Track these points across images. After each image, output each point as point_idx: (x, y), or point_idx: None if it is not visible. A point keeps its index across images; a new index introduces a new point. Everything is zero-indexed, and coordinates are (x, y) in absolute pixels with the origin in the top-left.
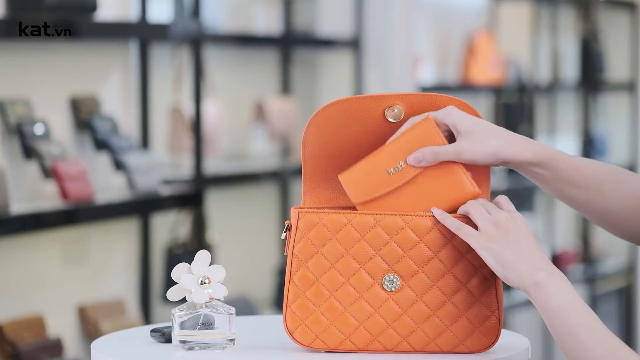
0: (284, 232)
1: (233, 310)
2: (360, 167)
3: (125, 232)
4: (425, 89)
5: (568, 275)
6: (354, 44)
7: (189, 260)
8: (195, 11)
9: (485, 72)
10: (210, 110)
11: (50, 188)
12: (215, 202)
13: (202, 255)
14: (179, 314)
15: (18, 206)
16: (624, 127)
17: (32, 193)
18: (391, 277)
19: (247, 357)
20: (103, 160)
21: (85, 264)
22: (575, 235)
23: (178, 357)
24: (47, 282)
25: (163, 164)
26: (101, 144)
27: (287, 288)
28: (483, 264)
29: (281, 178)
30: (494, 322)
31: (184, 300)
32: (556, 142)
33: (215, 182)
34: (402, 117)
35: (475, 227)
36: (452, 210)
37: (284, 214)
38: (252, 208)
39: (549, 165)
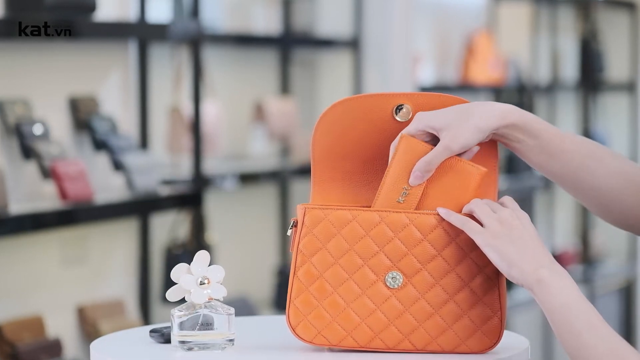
0: (290, 228)
1: (232, 310)
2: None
3: (124, 233)
4: (424, 89)
5: None
6: (354, 44)
7: (189, 260)
8: (195, 11)
9: (485, 72)
10: (210, 110)
11: (49, 188)
12: (215, 202)
13: (201, 256)
14: (178, 315)
15: (17, 206)
16: (623, 127)
17: (31, 193)
18: (394, 274)
19: (247, 358)
20: (102, 160)
21: (85, 264)
22: (575, 236)
23: (177, 358)
24: (47, 283)
25: (162, 164)
26: (100, 144)
27: (290, 283)
28: (487, 264)
29: (281, 178)
30: (496, 323)
31: (183, 300)
32: None
33: (215, 182)
34: (410, 117)
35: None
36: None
37: (284, 214)
38: (252, 208)
39: (531, 130)
